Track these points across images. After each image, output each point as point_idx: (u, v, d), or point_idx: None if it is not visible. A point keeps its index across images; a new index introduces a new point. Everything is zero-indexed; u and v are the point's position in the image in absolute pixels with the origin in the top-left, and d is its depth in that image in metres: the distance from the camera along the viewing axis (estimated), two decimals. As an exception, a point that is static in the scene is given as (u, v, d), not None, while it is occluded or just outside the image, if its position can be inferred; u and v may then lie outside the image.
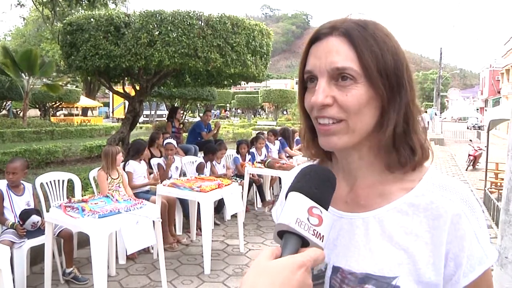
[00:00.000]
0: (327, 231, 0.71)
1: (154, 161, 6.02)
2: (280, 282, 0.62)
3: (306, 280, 0.64)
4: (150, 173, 5.88)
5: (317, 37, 0.81)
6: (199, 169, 6.33)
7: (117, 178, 4.81)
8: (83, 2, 11.30)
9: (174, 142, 6.12)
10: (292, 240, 0.69)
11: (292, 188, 0.73)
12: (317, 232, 0.69)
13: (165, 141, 6.20)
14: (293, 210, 0.70)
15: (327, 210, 0.72)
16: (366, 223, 0.82)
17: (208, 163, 6.48)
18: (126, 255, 4.62)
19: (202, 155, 6.82)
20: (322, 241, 0.70)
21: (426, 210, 0.78)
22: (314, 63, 0.79)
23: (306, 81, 0.82)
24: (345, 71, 0.76)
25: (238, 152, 7.32)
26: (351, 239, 0.82)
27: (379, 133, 0.79)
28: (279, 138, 8.45)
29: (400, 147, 0.80)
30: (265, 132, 8.89)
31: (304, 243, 0.69)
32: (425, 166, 0.84)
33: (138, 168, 5.39)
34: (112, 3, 21.46)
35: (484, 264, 0.77)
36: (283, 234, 0.71)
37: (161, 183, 5.14)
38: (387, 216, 0.80)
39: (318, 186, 0.73)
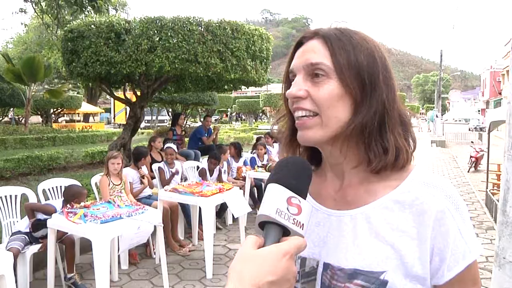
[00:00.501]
0: (306, 219, 0.73)
1: (154, 166, 6.04)
2: (266, 269, 0.64)
3: (291, 267, 0.67)
4: (152, 178, 5.90)
5: (301, 42, 0.88)
6: (202, 174, 6.32)
7: (119, 184, 4.83)
8: (87, 9, 11.37)
9: (174, 146, 6.12)
10: (273, 230, 0.71)
11: (270, 180, 0.76)
12: (297, 221, 0.71)
13: (165, 145, 6.20)
14: (272, 201, 0.72)
15: (305, 199, 0.74)
16: (354, 220, 0.84)
17: (217, 170, 6.45)
18: (129, 260, 4.64)
19: (206, 161, 6.77)
20: (302, 229, 0.72)
21: (411, 207, 0.81)
22: (295, 62, 0.86)
23: (291, 80, 0.87)
24: (318, 66, 0.81)
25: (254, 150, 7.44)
26: (340, 236, 0.85)
27: (347, 128, 0.82)
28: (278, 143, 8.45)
29: (371, 144, 0.83)
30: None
31: (285, 232, 0.71)
32: (412, 164, 0.87)
33: (135, 176, 5.41)
34: (113, 9, 21.56)
35: (468, 259, 0.80)
36: (264, 224, 0.73)
37: (163, 187, 5.16)
38: (374, 212, 0.83)
39: (295, 176, 0.76)
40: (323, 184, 0.93)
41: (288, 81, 0.90)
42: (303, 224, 0.72)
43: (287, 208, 0.71)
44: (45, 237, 3.85)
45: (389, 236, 0.80)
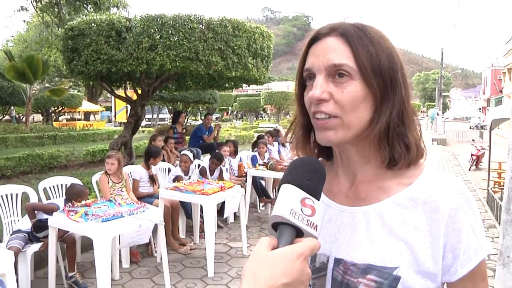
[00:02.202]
0: (320, 220, 0.73)
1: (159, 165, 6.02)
2: (280, 270, 0.64)
3: (305, 268, 0.66)
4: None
5: (316, 38, 0.85)
6: (202, 173, 6.30)
7: (119, 183, 4.82)
8: (89, 6, 11.35)
9: (190, 154, 6.05)
10: (287, 230, 0.71)
11: (284, 180, 0.75)
12: (311, 222, 0.71)
13: (182, 152, 6.13)
14: (286, 201, 0.72)
15: (318, 200, 0.74)
16: (367, 216, 0.85)
17: (218, 169, 6.43)
18: (130, 259, 4.64)
19: (207, 159, 6.77)
20: (316, 231, 0.72)
21: (425, 204, 0.82)
22: (313, 61, 0.83)
23: (305, 79, 0.86)
24: (342, 67, 0.79)
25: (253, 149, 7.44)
26: (353, 232, 0.86)
27: (373, 128, 0.83)
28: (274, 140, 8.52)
29: (395, 143, 0.83)
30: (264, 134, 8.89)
31: (299, 233, 0.71)
32: (423, 163, 0.88)
33: (143, 174, 5.42)
34: (114, 6, 21.53)
35: (480, 255, 0.81)
36: (277, 225, 0.73)
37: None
38: (387, 209, 0.84)
39: (309, 177, 0.75)
40: (335, 181, 0.93)
41: (301, 79, 0.88)
42: (316, 226, 0.72)
43: (301, 209, 0.71)
44: (46, 236, 3.84)
45: (402, 232, 0.81)
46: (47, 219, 3.82)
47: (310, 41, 0.86)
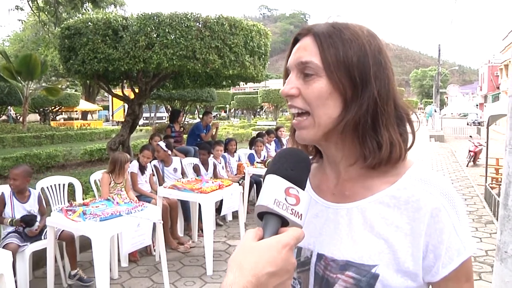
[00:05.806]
0: (305, 209, 0.73)
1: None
2: (265, 260, 0.65)
3: (291, 258, 0.67)
4: (153, 175, 5.90)
5: (296, 39, 0.89)
6: (196, 170, 6.31)
7: (120, 183, 4.82)
8: (86, 4, 11.27)
9: (162, 144, 6.03)
10: (272, 220, 0.72)
11: (268, 171, 0.76)
12: (295, 211, 0.72)
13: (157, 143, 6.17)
14: (270, 191, 0.72)
15: (303, 189, 0.75)
16: (350, 213, 0.86)
17: (211, 165, 6.45)
18: (129, 258, 4.64)
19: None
20: (301, 219, 0.72)
21: (407, 203, 0.82)
22: (289, 60, 0.87)
23: None
24: (307, 64, 0.82)
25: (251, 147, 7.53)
26: (336, 228, 0.87)
27: (337, 124, 0.83)
28: (274, 139, 8.56)
29: (365, 141, 0.83)
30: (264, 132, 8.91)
31: (284, 222, 0.72)
32: (410, 161, 0.88)
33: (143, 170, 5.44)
34: (111, 4, 21.45)
35: (462, 256, 0.80)
36: (263, 215, 0.73)
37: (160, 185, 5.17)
38: (370, 207, 0.84)
39: (293, 167, 0.76)
40: (323, 178, 0.95)
41: (287, 78, 0.90)
42: (301, 214, 0.73)
43: (285, 199, 0.72)
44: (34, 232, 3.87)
45: (383, 230, 0.82)
46: (29, 211, 3.91)
47: (292, 42, 0.90)
